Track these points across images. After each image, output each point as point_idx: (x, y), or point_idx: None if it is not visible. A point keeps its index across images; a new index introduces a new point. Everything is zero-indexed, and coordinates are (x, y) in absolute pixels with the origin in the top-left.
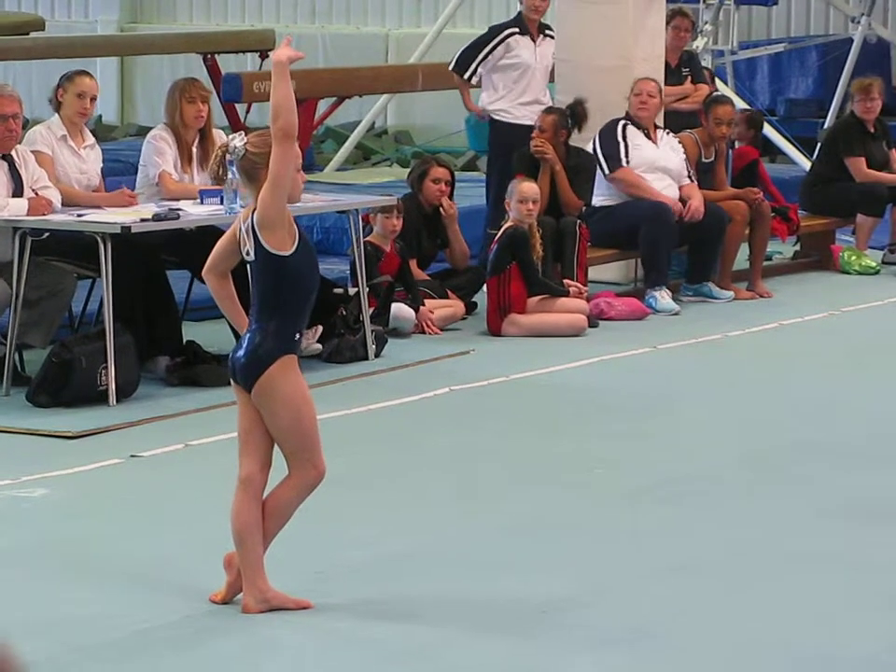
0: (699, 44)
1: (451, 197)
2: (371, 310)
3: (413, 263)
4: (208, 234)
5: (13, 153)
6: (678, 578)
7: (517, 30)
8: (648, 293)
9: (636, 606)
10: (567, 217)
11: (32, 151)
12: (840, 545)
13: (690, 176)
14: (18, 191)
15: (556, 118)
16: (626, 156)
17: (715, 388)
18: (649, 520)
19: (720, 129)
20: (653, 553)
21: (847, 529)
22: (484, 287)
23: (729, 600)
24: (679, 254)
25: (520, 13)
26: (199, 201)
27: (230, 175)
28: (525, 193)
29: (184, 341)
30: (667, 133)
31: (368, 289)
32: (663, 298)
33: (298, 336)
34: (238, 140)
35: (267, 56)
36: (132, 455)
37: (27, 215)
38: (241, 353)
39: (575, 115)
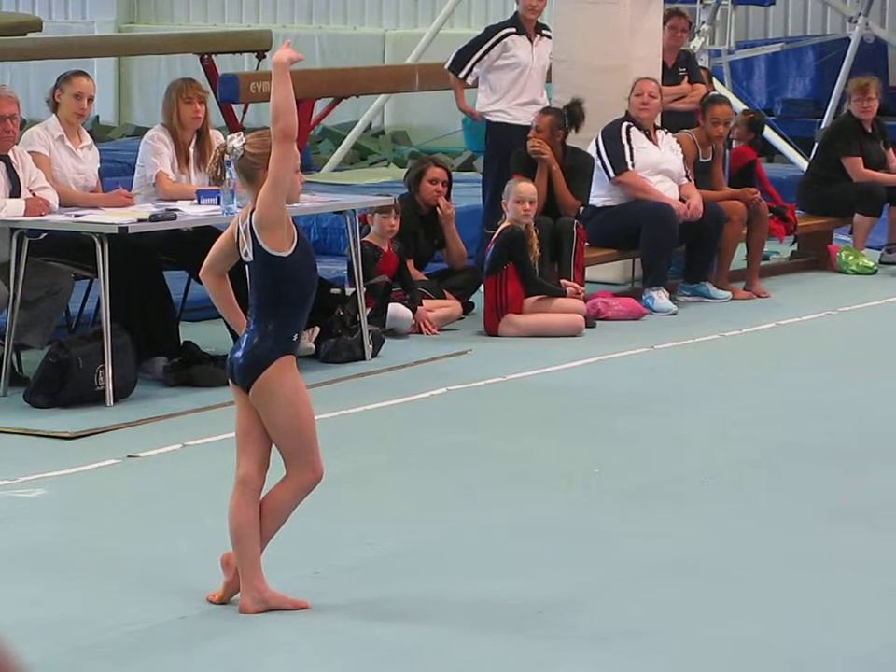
0: (696, 44)
1: (448, 197)
2: (369, 310)
3: (409, 263)
4: (205, 235)
5: (10, 154)
6: (676, 578)
7: (514, 30)
8: (645, 293)
9: (633, 606)
10: (564, 218)
11: (29, 152)
12: (837, 545)
13: (687, 176)
14: (15, 192)
15: (553, 118)
16: (631, 159)
17: (712, 388)
18: (646, 520)
19: (717, 129)
20: (651, 552)
21: (845, 529)
22: (481, 288)
23: (726, 600)
24: (677, 254)
25: (517, 13)
26: (196, 201)
27: (227, 176)
28: (522, 193)
29: (181, 341)
30: (666, 133)
31: (365, 289)
32: (660, 298)
33: (296, 337)
34: (237, 141)
35: (264, 57)
36: (129, 456)
37: (24, 215)
38: (239, 353)
39: (572, 115)
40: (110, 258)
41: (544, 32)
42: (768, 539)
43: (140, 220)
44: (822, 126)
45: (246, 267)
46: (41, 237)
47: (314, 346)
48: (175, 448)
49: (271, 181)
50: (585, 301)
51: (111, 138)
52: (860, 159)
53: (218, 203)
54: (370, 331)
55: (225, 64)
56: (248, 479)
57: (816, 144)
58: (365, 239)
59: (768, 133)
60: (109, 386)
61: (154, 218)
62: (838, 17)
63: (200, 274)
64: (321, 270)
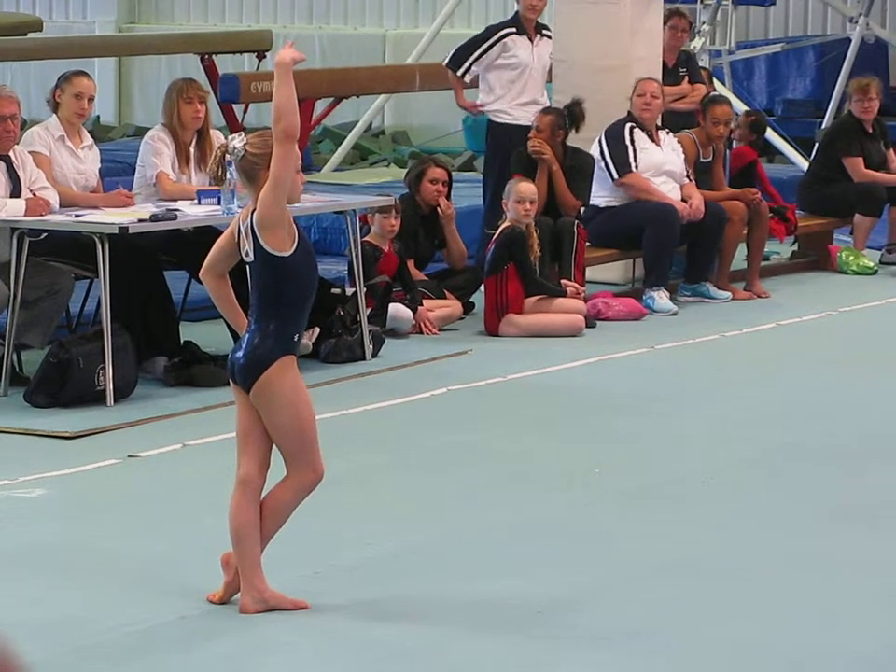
0: (697, 44)
1: (448, 197)
2: (369, 310)
3: (410, 263)
4: (206, 235)
5: (11, 154)
6: (676, 578)
7: (514, 30)
8: (646, 293)
9: (633, 606)
10: (564, 218)
11: (29, 152)
12: (838, 545)
13: (688, 176)
14: (16, 192)
15: (554, 118)
16: (635, 160)
17: (712, 389)
18: (646, 520)
19: (717, 129)
20: (651, 553)
21: (845, 529)
22: (482, 288)
23: (727, 601)
24: (677, 254)
25: (517, 13)
26: (196, 201)
27: (228, 176)
28: (523, 193)
29: (182, 341)
30: (668, 134)
31: (365, 289)
32: (661, 298)
33: (297, 337)
34: (238, 141)
35: (264, 57)
36: (129, 456)
37: (25, 215)
38: (240, 353)
39: (573, 115)
40: (111, 257)
41: (544, 32)
42: (769, 539)
43: (140, 220)
44: (823, 126)
45: (247, 267)
46: (41, 237)
47: (310, 344)
48: (176, 448)
49: (272, 181)
50: (586, 301)
51: (112, 138)
52: (860, 159)
53: (219, 203)
54: (370, 331)
55: (225, 64)
56: (249, 479)
57: (816, 144)
58: (365, 239)
59: (769, 133)
60: (110, 386)
61: (154, 218)
62: (839, 17)
63: (200, 275)
64: (321, 270)
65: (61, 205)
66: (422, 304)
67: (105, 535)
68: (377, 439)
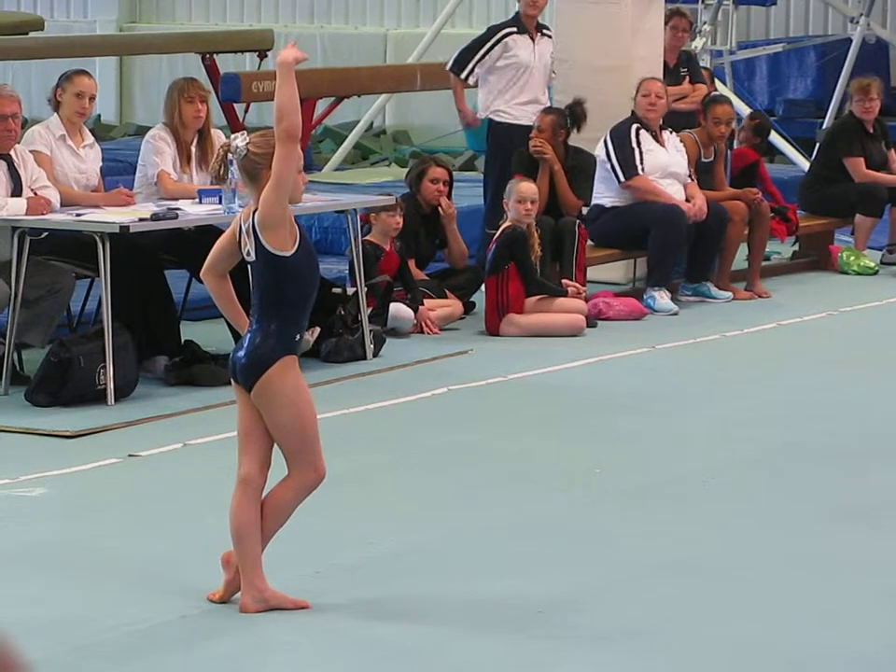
0: (698, 44)
1: (449, 197)
2: (370, 309)
3: (411, 263)
4: (207, 234)
5: (12, 153)
6: (676, 578)
7: (515, 29)
8: (647, 293)
9: (634, 606)
10: (566, 218)
11: (30, 151)
12: (838, 545)
13: (690, 176)
14: (16, 191)
15: (555, 118)
16: (641, 163)
17: (713, 388)
18: (646, 520)
19: (718, 128)
20: (652, 553)
21: (846, 529)
22: (483, 287)
23: (727, 601)
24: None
25: (518, 13)
26: (197, 200)
27: (230, 175)
28: (524, 193)
29: (182, 340)
30: (671, 133)
31: (366, 289)
32: (661, 298)
33: (298, 337)
34: (240, 140)
35: (266, 56)
36: (130, 455)
37: (26, 214)
38: (241, 353)
39: (574, 115)
40: (111, 257)
41: (545, 31)
42: (769, 539)
43: (141, 219)
44: (824, 126)
45: (249, 267)
46: (42, 236)
47: (311, 339)
48: (176, 447)
49: (274, 181)
50: (586, 300)
51: (113, 137)
52: (861, 159)
53: (220, 203)
54: (371, 331)
55: (227, 64)
56: (250, 478)
57: (817, 144)
58: (366, 238)
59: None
60: (110, 385)
61: (155, 217)
62: (840, 17)
63: (201, 275)
64: (323, 269)
65: (62, 204)
66: (423, 304)
67: (105, 534)
68: (378, 438)
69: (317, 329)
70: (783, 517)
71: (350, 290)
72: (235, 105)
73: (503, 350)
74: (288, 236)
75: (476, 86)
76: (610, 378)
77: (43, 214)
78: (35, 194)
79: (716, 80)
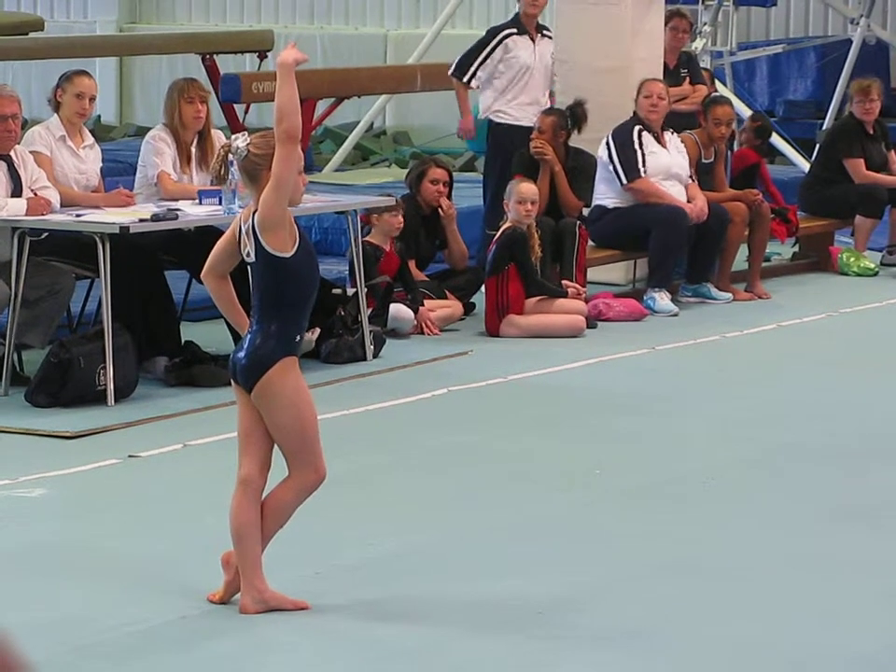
0: (698, 45)
1: (449, 197)
2: (370, 310)
3: (411, 264)
4: (207, 235)
5: (12, 153)
6: (676, 578)
7: (515, 30)
8: (647, 294)
9: (634, 606)
10: (566, 219)
11: (31, 151)
12: (838, 545)
13: (691, 177)
14: (16, 191)
15: (556, 119)
16: (643, 165)
17: (713, 389)
18: (646, 520)
19: (719, 129)
20: (652, 553)
21: (846, 530)
22: (483, 288)
23: (727, 601)
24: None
25: (517, 14)
26: (197, 201)
27: (230, 176)
28: (524, 194)
29: (182, 341)
30: (672, 134)
31: (366, 290)
32: (661, 299)
33: (299, 338)
34: (241, 140)
35: (266, 57)
36: (130, 456)
37: (26, 215)
38: (242, 354)
39: (575, 116)
40: (111, 257)
41: (545, 32)
42: (769, 539)
43: (141, 220)
44: (824, 127)
45: (248, 268)
46: (42, 237)
47: (313, 339)
48: (176, 448)
49: (274, 182)
50: (586, 301)
51: (113, 138)
52: (861, 160)
53: (220, 203)
54: (371, 332)
55: (227, 64)
56: (250, 479)
57: (817, 145)
58: (366, 239)
59: None
60: (110, 386)
61: (155, 218)
62: (840, 18)
63: (201, 276)
64: (322, 270)
65: (62, 205)
66: (423, 305)
67: (105, 534)
68: (378, 439)
69: (317, 330)
70: (783, 517)
71: (350, 291)
72: (235, 105)
73: (503, 351)
74: (288, 237)
75: (477, 87)
76: (610, 379)
77: (43, 214)
78: (35, 195)
79: (716, 81)
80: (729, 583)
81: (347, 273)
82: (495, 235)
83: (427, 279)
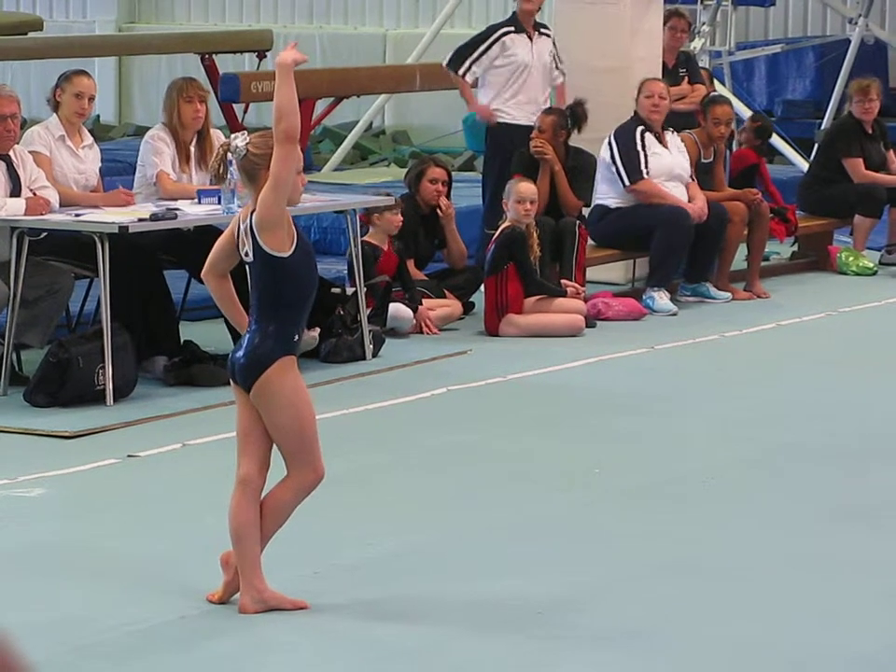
0: (697, 45)
1: (448, 197)
2: (369, 310)
3: (410, 263)
4: (206, 234)
5: (11, 153)
6: (676, 578)
7: (512, 29)
8: (646, 293)
9: (634, 606)
10: (566, 218)
11: (30, 151)
12: (838, 545)
13: (691, 176)
14: (15, 191)
15: (556, 118)
16: (646, 166)
17: (713, 389)
18: (646, 520)
19: (718, 129)
20: (652, 552)
21: (846, 529)
22: (482, 288)
23: (727, 600)
24: None
25: (515, 13)
26: (196, 201)
27: (229, 175)
28: (523, 193)
29: (181, 340)
30: (673, 134)
31: (365, 289)
32: (661, 298)
33: (297, 337)
34: (240, 140)
35: (265, 56)
36: (129, 455)
37: (25, 214)
38: (240, 353)
39: (575, 115)
40: (111, 257)
41: (543, 30)
42: (769, 539)
43: (141, 220)
44: (823, 127)
45: (247, 267)
46: (41, 236)
47: (317, 336)
48: (176, 447)
49: (272, 182)
50: (586, 301)
51: (112, 137)
52: (860, 160)
53: (219, 203)
54: (370, 331)
55: (226, 64)
56: (249, 478)
57: (816, 145)
58: (365, 239)
59: None
60: (109, 386)
61: (155, 218)
62: (838, 18)
63: (202, 275)
64: (321, 269)
65: (61, 205)
66: (422, 304)
67: (105, 534)
68: (377, 438)
69: (317, 330)
70: (783, 517)
71: (349, 290)
72: (234, 105)
73: (502, 350)
74: (286, 237)
75: (475, 86)
76: (610, 378)
77: (42, 214)
78: (34, 194)
79: (715, 81)
80: (729, 583)
81: (346, 272)
82: (494, 235)
83: (426, 278)
